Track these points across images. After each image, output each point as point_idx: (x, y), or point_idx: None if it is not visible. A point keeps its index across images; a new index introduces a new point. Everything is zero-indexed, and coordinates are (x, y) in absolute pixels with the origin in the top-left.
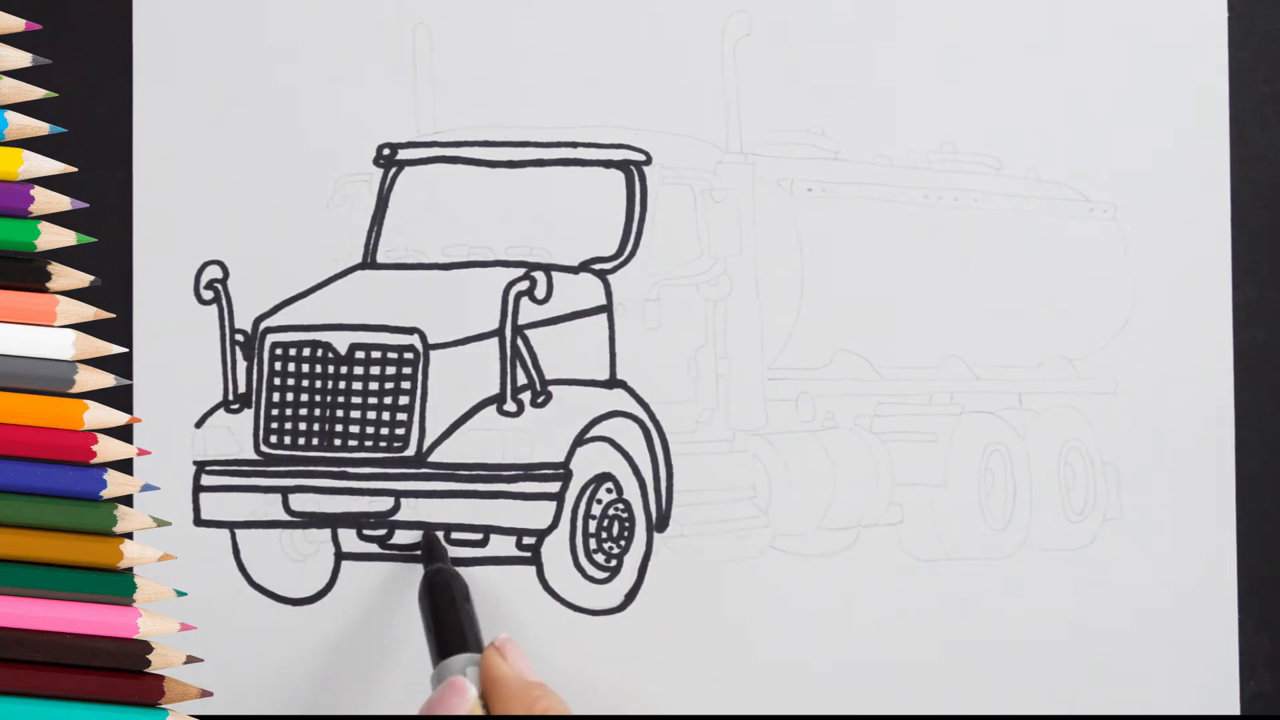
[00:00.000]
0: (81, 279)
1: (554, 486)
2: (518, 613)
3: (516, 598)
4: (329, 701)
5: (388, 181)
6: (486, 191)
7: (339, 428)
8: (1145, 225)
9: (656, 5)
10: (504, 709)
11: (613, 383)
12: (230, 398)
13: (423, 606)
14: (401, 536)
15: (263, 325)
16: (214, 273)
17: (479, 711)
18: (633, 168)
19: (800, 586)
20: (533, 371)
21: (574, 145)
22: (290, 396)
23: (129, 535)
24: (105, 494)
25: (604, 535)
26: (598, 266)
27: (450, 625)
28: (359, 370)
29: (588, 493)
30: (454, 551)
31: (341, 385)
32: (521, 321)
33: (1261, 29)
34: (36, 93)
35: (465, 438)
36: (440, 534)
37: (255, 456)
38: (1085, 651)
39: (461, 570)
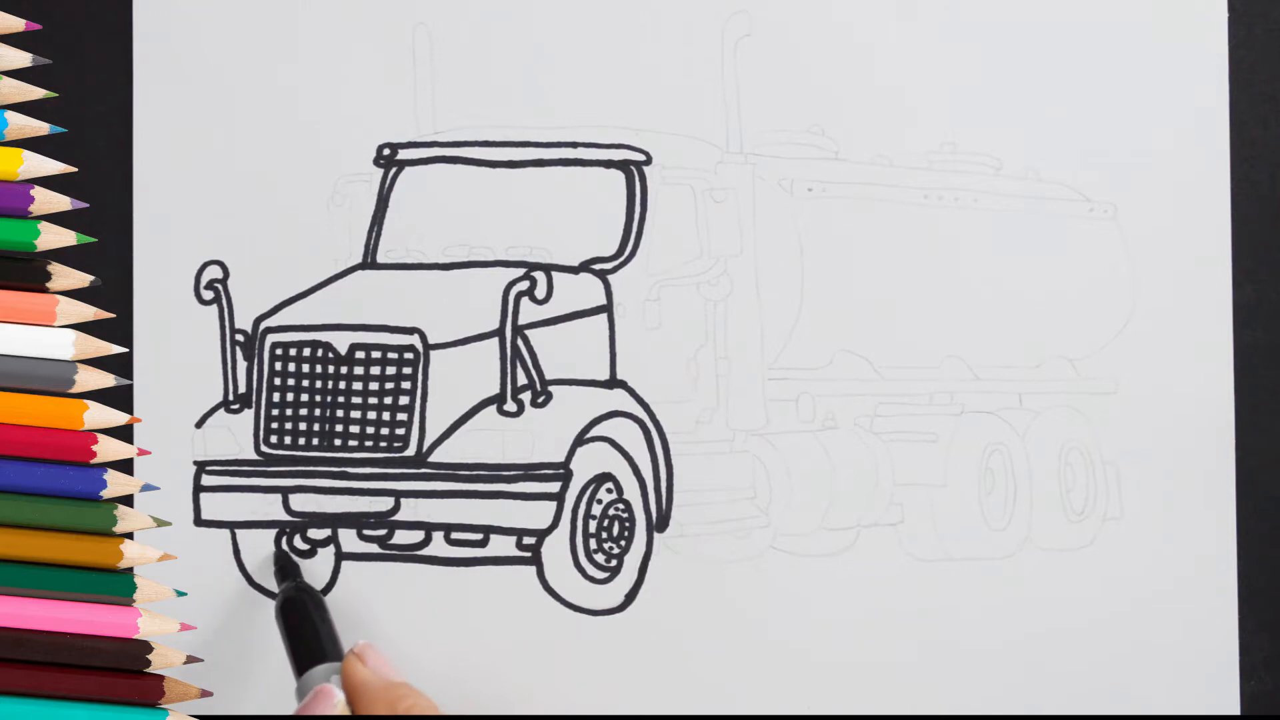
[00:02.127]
0: (81, 279)
1: (554, 486)
2: (518, 613)
3: (516, 598)
4: None
5: (388, 181)
6: (486, 191)
7: (339, 428)
8: (1145, 225)
9: (656, 5)
10: (369, 712)
11: (613, 383)
12: (230, 398)
13: (279, 624)
14: (402, 536)
15: (263, 325)
16: (214, 273)
17: (344, 709)
18: (633, 168)
19: (800, 586)
20: (533, 371)
21: (574, 145)
22: (290, 396)
23: (129, 535)
24: (105, 494)
25: (604, 535)
26: (598, 266)
27: (308, 638)
28: (359, 370)
29: (588, 493)
30: (454, 552)
31: (341, 385)
32: (521, 321)
33: (1261, 29)
34: (36, 93)
35: (465, 438)
36: (288, 549)
37: (255, 456)
38: (1085, 651)
39: (461, 570)
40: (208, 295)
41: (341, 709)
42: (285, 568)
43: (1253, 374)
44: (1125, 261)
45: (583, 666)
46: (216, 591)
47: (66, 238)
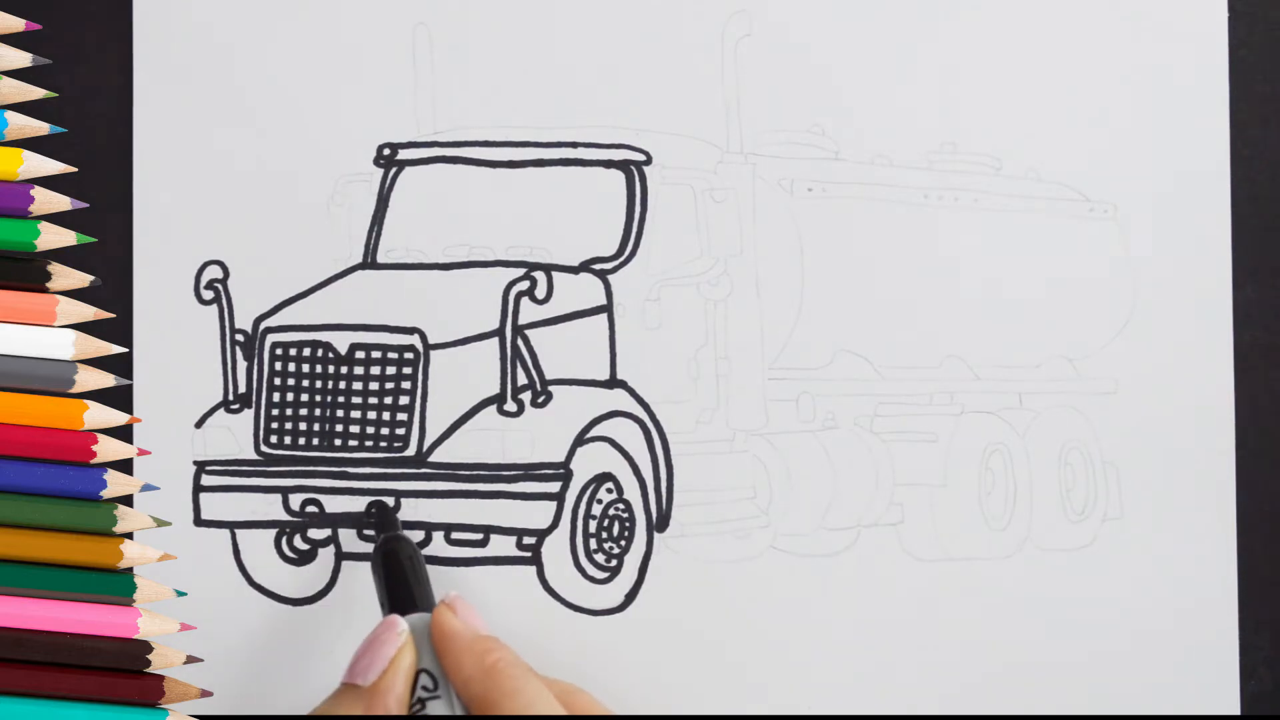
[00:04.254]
0: (81, 279)
1: (554, 486)
2: (518, 613)
3: (516, 598)
4: None
5: (388, 181)
6: (486, 191)
7: (339, 428)
8: (1145, 225)
9: (656, 5)
10: (456, 662)
11: (613, 383)
12: (230, 398)
13: (375, 574)
14: None
15: (263, 325)
16: (214, 273)
17: (410, 646)
18: (633, 168)
19: (800, 586)
20: (533, 371)
21: (574, 145)
22: (290, 396)
23: (129, 535)
24: (105, 494)
25: (604, 535)
26: (598, 266)
27: (401, 588)
28: (359, 370)
29: (588, 493)
30: (454, 551)
31: (342, 385)
32: (522, 321)
33: (1261, 29)
34: (36, 93)
35: (465, 438)
36: (391, 505)
37: (255, 456)
38: (1085, 651)
39: (461, 570)
40: (208, 295)
41: (405, 638)
42: (385, 518)
43: (1253, 374)
44: (1125, 261)
45: (583, 666)
46: (216, 591)
47: (66, 238)
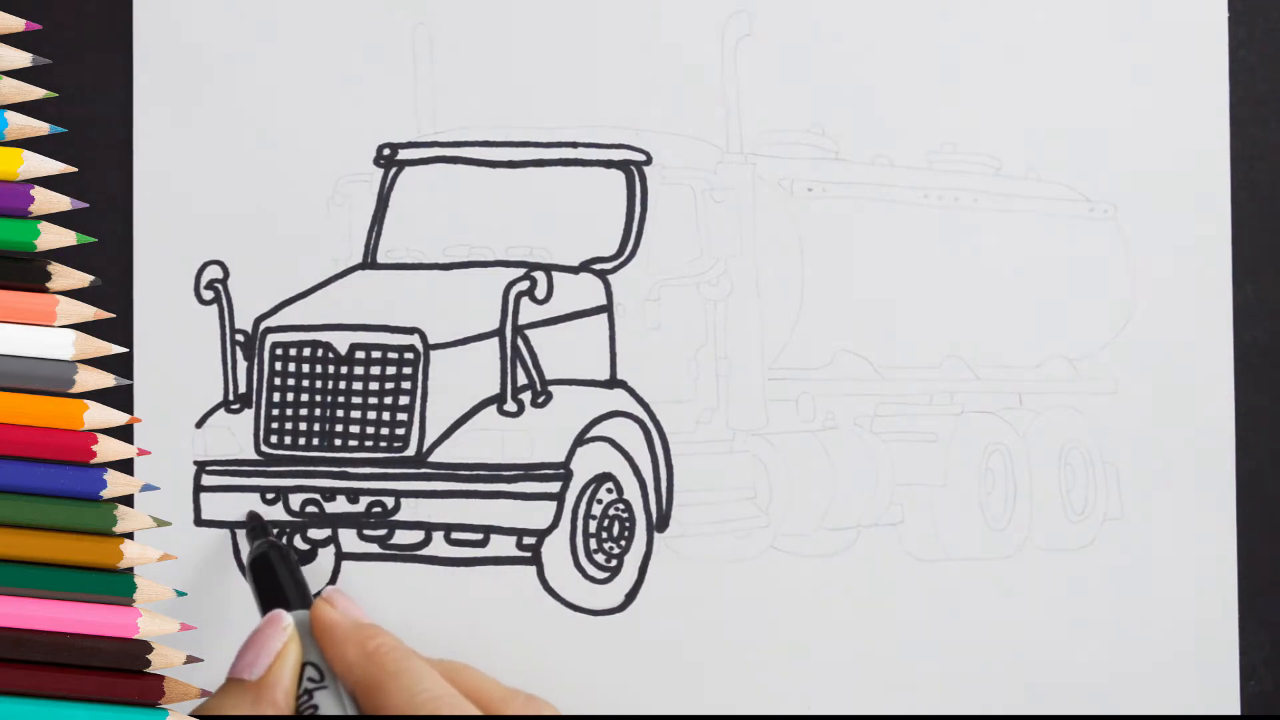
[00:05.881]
0: (81, 279)
1: (554, 486)
2: (518, 613)
3: (516, 598)
4: None
5: (388, 181)
6: (486, 191)
7: (339, 428)
8: (1145, 225)
9: (656, 5)
10: (339, 651)
11: (613, 383)
12: (230, 398)
13: (250, 581)
14: (402, 536)
15: (263, 325)
16: (214, 273)
17: (296, 640)
18: (633, 168)
19: (800, 586)
20: (533, 371)
21: (574, 145)
22: (290, 396)
23: (129, 535)
24: (105, 494)
25: (604, 535)
26: (598, 266)
27: (276, 590)
28: (359, 370)
29: (588, 493)
30: (454, 552)
31: (342, 385)
32: (522, 321)
33: (1261, 29)
34: (36, 93)
35: (465, 438)
36: (261, 514)
37: (255, 456)
38: (1085, 651)
39: (461, 570)
40: (208, 295)
41: (290, 632)
42: (255, 528)
43: (1253, 374)
44: (1125, 261)
45: (583, 666)
46: (216, 591)
47: (66, 238)
